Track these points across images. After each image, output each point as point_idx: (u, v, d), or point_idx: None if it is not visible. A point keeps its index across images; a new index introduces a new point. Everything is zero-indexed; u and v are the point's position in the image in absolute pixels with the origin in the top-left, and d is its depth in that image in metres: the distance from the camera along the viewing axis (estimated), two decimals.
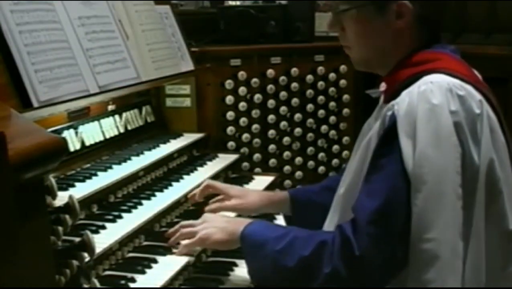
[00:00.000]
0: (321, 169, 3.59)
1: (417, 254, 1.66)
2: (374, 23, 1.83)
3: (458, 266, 1.66)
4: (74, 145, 2.33)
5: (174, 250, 2.05)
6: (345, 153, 3.63)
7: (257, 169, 3.37)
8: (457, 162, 1.65)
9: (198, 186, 2.55)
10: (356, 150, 1.91)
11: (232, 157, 3.02)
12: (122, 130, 2.68)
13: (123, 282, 1.84)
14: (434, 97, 1.66)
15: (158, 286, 1.86)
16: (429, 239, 1.64)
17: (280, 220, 2.47)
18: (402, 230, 1.67)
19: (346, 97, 3.62)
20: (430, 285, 1.65)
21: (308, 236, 1.83)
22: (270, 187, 2.88)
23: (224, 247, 2.01)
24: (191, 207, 2.47)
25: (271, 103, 3.39)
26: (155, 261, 1.99)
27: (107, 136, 2.56)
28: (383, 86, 1.89)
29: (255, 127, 3.36)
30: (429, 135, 1.64)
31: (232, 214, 2.30)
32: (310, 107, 3.51)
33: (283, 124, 3.45)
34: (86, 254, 1.68)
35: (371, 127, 1.86)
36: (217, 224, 2.00)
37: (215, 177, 2.76)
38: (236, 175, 3.00)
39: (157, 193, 2.33)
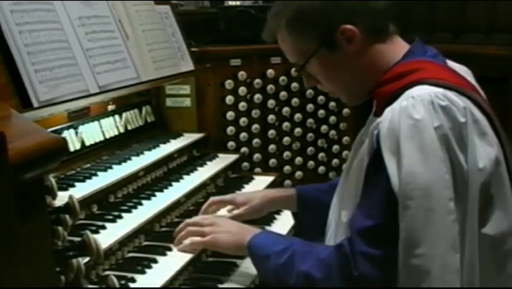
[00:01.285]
0: (321, 169, 3.59)
1: (407, 270, 1.65)
2: (333, 60, 1.84)
3: (451, 280, 1.64)
4: (74, 145, 2.33)
5: (177, 246, 2.07)
6: (345, 153, 3.62)
7: (257, 169, 3.37)
8: (446, 176, 1.62)
9: (198, 186, 2.56)
10: (352, 159, 1.90)
11: (232, 157, 3.02)
12: (122, 130, 2.68)
13: (123, 282, 1.84)
14: (416, 112, 1.63)
15: (158, 286, 1.87)
16: (418, 255, 1.63)
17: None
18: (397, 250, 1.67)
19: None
20: None
21: (307, 251, 1.86)
22: (270, 187, 2.88)
23: (230, 252, 2.06)
24: (191, 207, 2.47)
25: (271, 103, 3.39)
26: (155, 261, 1.99)
27: (107, 136, 2.56)
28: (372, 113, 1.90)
29: (255, 127, 3.36)
30: (414, 151, 1.62)
31: None
32: (310, 107, 3.51)
33: (283, 124, 3.45)
34: (86, 254, 1.68)
35: (363, 140, 1.85)
36: (226, 229, 2.04)
37: (215, 177, 2.76)
38: (236, 175, 3.00)
39: (157, 193, 2.33)
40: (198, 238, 2.05)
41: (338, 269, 1.75)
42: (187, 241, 2.07)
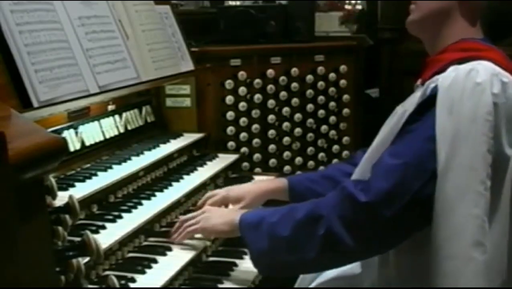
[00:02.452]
0: (321, 169, 3.59)
1: (442, 226, 1.66)
2: None
3: (484, 244, 1.66)
4: (74, 145, 2.33)
5: (175, 240, 2.10)
6: (345, 153, 3.63)
7: (257, 169, 3.37)
8: (490, 141, 1.67)
9: (198, 186, 2.56)
10: (385, 126, 1.91)
11: (232, 157, 3.02)
12: (122, 130, 2.68)
13: (123, 282, 1.84)
14: (479, 77, 1.70)
15: (158, 286, 1.87)
16: (458, 213, 1.65)
17: None
18: (416, 195, 1.68)
19: (346, 97, 3.62)
20: (454, 259, 1.65)
21: (307, 202, 1.87)
22: None
23: (224, 235, 2.09)
24: (191, 207, 2.47)
25: (271, 103, 3.40)
26: (155, 261, 1.99)
27: (107, 136, 2.56)
28: (419, 81, 1.92)
29: (255, 127, 3.36)
30: (467, 111, 1.67)
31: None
32: (310, 107, 3.52)
33: (283, 124, 3.45)
34: (86, 254, 1.68)
35: (404, 106, 1.87)
36: (217, 214, 2.07)
37: (215, 177, 2.76)
38: (236, 175, 3.00)
39: (157, 193, 2.33)
40: (190, 228, 2.08)
41: (338, 207, 1.74)
42: (183, 232, 2.10)
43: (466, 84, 1.69)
